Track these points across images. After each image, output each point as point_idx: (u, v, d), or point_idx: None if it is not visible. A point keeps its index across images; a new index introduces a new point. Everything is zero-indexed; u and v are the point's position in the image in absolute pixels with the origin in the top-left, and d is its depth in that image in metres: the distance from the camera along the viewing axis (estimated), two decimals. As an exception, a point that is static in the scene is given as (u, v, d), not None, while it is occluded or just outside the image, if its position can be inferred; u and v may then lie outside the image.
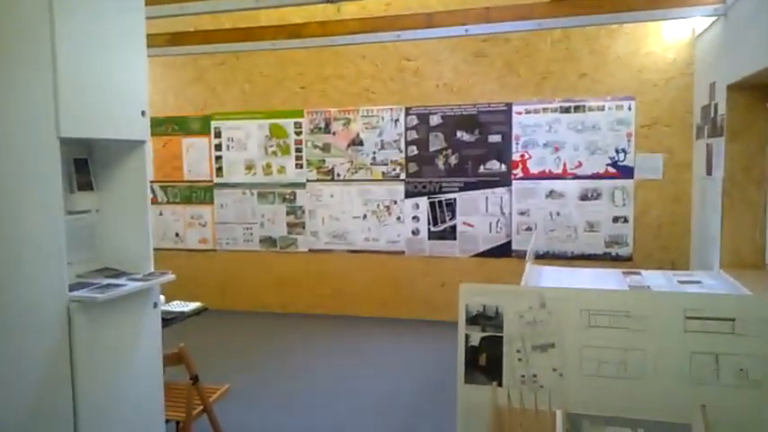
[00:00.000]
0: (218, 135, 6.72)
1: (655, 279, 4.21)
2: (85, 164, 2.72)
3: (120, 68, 2.55)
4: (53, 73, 2.19)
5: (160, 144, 6.92)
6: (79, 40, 2.34)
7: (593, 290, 3.22)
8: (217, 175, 6.76)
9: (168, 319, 3.43)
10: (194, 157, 6.83)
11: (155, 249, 6.73)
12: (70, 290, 2.33)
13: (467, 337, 3.03)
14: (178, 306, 3.66)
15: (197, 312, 3.71)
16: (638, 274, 4.45)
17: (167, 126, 6.87)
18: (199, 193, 6.84)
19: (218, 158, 6.74)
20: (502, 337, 2.98)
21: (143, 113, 2.66)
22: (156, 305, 2.72)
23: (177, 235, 6.95)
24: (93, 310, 2.35)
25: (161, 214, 6.97)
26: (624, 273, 4.48)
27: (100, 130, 2.45)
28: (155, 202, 6.96)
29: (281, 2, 3.85)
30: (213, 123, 6.73)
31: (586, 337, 2.87)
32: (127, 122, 2.59)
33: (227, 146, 6.70)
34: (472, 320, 3.04)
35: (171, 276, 2.71)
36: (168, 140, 6.89)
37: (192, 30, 5.67)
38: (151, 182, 6.86)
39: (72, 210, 2.65)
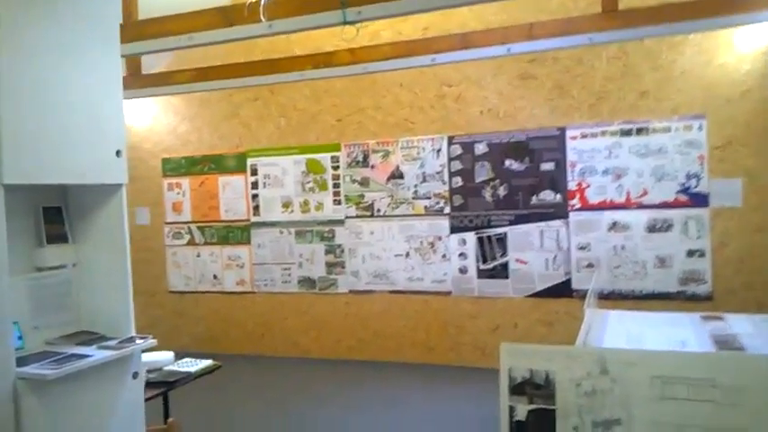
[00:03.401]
0: (254, 172, 6.44)
1: (741, 325, 3.54)
2: (59, 213, 2.38)
3: (89, 104, 2.22)
4: (-6, 110, 1.86)
5: (197, 183, 6.69)
6: (29, 71, 2.01)
7: (666, 352, 2.64)
8: (253, 214, 6.46)
9: (171, 382, 3.05)
10: (231, 195, 6.56)
11: (194, 293, 6.57)
12: (23, 363, 1.96)
13: (511, 409, 2.50)
14: (186, 365, 3.28)
15: (208, 371, 3.31)
16: (721, 319, 3.79)
17: (204, 164, 6.65)
18: (236, 233, 6.55)
19: (255, 197, 6.45)
20: (554, 410, 2.45)
21: (118, 153, 2.31)
22: (136, 375, 2.32)
23: (215, 277, 6.65)
24: (47, 388, 1.97)
25: (198, 256, 6.71)
26: (703, 317, 3.83)
27: (60, 174, 2.11)
28: (192, 243, 6.72)
29: (295, 26, 3.49)
30: (249, 160, 6.46)
31: (660, 412, 2.29)
32: (98, 164, 2.25)
33: (264, 183, 6.41)
34: (517, 389, 2.50)
35: (151, 342, 2.32)
36: (205, 179, 6.66)
37: (219, 64, 5.41)
38: (188, 222, 6.65)
39: (41, 266, 2.31)
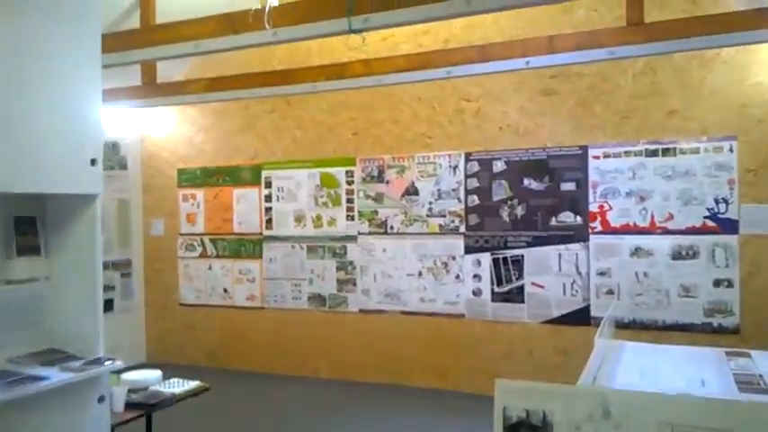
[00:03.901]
0: (268, 185, 6.34)
1: (769, 364, 3.27)
2: (32, 223, 2.26)
3: (64, 112, 2.10)
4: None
5: (212, 195, 6.62)
6: (3, 77, 1.90)
7: (677, 396, 2.40)
8: (266, 228, 6.34)
9: (152, 404, 2.90)
10: (244, 208, 6.47)
11: (205, 306, 6.47)
12: (-23, 383, 1.83)
13: (503, 451, 2.29)
14: (173, 386, 3.13)
15: (194, 393, 3.16)
16: (747, 356, 3.50)
17: (218, 176, 6.58)
18: (248, 247, 6.44)
19: (268, 210, 6.34)
20: (551, 455, 2.23)
21: (93, 162, 2.18)
22: (102, 399, 2.18)
23: (226, 291, 6.55)
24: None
25: (210, 268, 6.62)
26: (728, 354, 3.55)
27: (28, 182, 1.99)
28: (204, 255, 6.63)
29: (300, 34, 3.38)
30: (264, 173, 6.36)
31: (669, 464, 2.06)
32: (71, 173, 2.13)
33: (278, 196, 6.30)
34: (512, 430, 2.30)
35: (117, 364, 2.17)
36: (219, 191, 6.58)
37: (237, 73, 5.33)
38: (201, 234, 6.57)
39: (11, 278, 2.19)
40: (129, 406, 2.86)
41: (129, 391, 2.97)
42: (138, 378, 3.10)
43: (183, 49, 3.64)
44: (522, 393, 2.29)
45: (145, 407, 2.87)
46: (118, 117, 6.54)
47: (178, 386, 3.14)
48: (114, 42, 3.74)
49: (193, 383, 3.21)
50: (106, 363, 2.15)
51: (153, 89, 5.36)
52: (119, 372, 3.22)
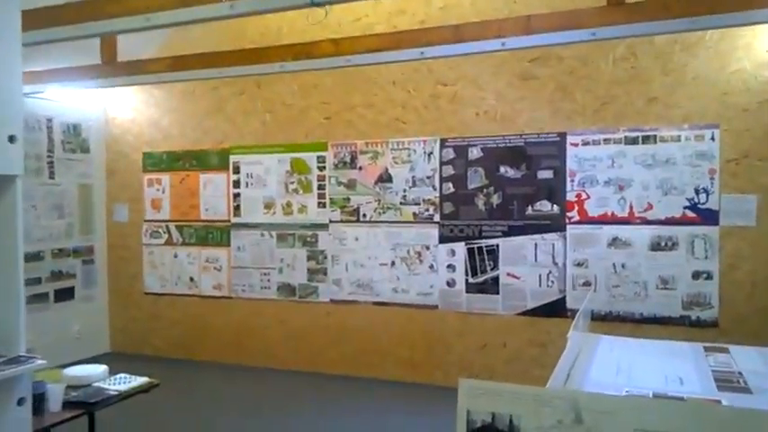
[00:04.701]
0: (236, 170, 6.09)
1: (748, 361, 3.12)
2: (-55, 206, 2.02)
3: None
4: None
5: (178, 180, 6.36)
6: None
7: (652, 400, 2.25)
8: (234, 215, 6.11)
9: (92, 403, 2.68)
10: (212, 194, 6.22)
11: (170, 295, 6.23)
12: None
13: (467, 458, 2.11)
14: (118, 382, 2.92)
15: (143, 390, 2.95)
16: (725, 351, 3.37)
17: (185, 161, 6.31)
18: (215, 234, 6.20)
19: (237, 196, 6.10)
20: (518, 462, 2.06)
21: (11, 139, 1.95)
22: (21, 402, 1.96)
23: (192, 279, 6.31)
24: None
25: (176, 256, 6.37)
26: (707, 349, 3.41)
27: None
28: (170, 243, 6.38)
29: (259, 7, 3.15)
30: (232, 158, 6.11)
31: (644, 473, 1.90)
32: (-17, 150, 1.89)
33: (246, 182, 6.06)
34: (476, 434, 2.12)
35: (39, 363, 1.95)
36: (186, 176, 6.32)
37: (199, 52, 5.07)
38: (167, 221, 6.31)
39: None
40: (68, 405, 2.65)
41: (70, 388, 2.77)
42: (79, 374, 2.88)
43: (134, 22, 3.37)
44: (487, 395, 2.10)
45: (85, 405, 2.66)
46: (79, 98, 6.25)
47: (125, 382, 2.92)
48: (60, 15, 3.48)
49: (142, 379, 2.99)
50: (25, 362, 1.93)
51: (113, 68, 5.07)
52: (61, 367, 3.01)
